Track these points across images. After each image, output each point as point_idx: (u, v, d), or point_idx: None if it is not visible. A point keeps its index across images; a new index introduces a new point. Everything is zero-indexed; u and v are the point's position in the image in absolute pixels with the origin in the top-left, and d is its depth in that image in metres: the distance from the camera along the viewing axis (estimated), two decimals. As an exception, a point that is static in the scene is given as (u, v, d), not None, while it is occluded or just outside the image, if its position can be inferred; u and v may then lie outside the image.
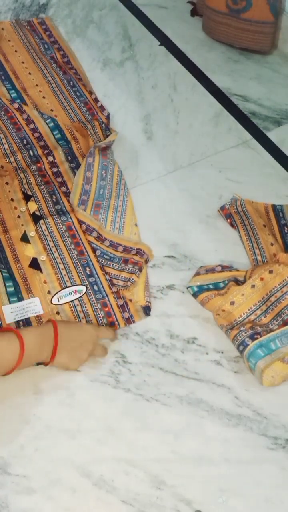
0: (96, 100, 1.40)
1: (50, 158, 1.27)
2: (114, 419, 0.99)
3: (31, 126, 1.31)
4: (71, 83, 1.43)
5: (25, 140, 1.29)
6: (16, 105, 1.34)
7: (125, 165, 1.32)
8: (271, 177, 1.32)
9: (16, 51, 1.50)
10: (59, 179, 1.25)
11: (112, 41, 1.60)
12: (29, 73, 1.45)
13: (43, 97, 1.40)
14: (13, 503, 0.91)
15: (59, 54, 1.51)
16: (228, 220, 1.23)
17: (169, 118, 1.43)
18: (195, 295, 1.10)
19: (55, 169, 1.26)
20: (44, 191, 1.22)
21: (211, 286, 1.10)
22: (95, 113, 1.37)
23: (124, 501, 0.91)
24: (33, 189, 1.22)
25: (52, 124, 1.31)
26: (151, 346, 1.07)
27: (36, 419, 0.98)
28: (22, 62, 1.47)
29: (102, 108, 1.39)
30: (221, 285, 1.10)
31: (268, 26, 1.48)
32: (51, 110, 1.37)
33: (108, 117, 1.38)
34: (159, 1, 1.71)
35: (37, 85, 1.42)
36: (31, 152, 1.28)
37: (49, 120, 1.31)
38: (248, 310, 1.07)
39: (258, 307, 1.07)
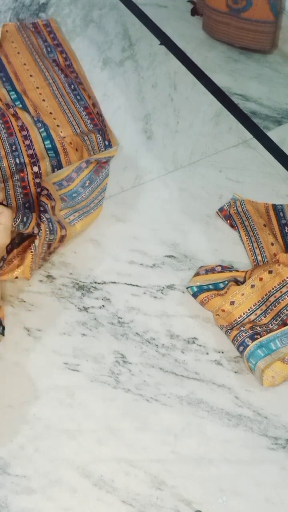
0: (94, 105, 1.39)
1: (35, 169, 1.26)
2: (114, 419, 0.99)
3: (24, 133, 1.31)
4: (72, 86, 1.43)
5: (14, 146, 1.29)
6: (12, 111, 1.33)
7: (125, 165, 1.32)
8: (271, 177, 1.31)
9: (18, 52, 1.49)
10: (39, 190, 1.23)
11: (112, 40, 1.59)
12: (30, 75, 1.44)
13: (43, 100, 1.39)
14: (13, 503, 0.91)
15: (61, 57, 1.50)
16: (228, 221, 1.23)
17: (169, 118, 1.43)
18: (194, 295, 1.10)
19: (38, 180, 1.25)
20: (19, 202, 1.22)
21: (211, 287, 1.10)
22: (94, 118, 1.37)
23: (124, 501, 0.91)
24: (10, 202, 1.22)
25: (44, 134, 1.31)
26: (151, 346, 1.07)
27: (36, 419, 0.98)
28: (24, 64, 1.47)
29: (98, 114, 1.38)
30: (221, 285, 1.10)
31: (268, 25, 1.48)
32: (50, 113, 1.37)
33: (103, 123, 1.36)
34: (159, 0, 1.71)
35: (37, 88, 1.41)
36: (17, 160, 1.27)
37: (42, 129, 1.31)
38: (248, 310, 1.07)
39: (258, 307, 1.07)
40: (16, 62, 1.47)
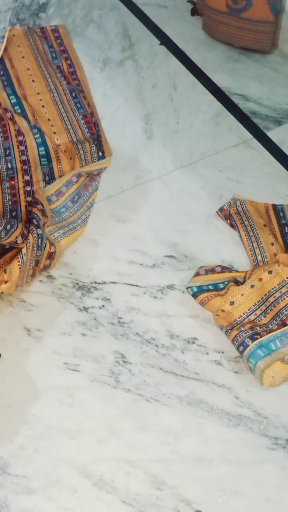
0: (92, 114, 1.39)
1: (27, 178, 1.26)
2: (114, 419, 0.99)
3: (20, 138, 1.30)
4: (73, 94, 1.42)
5: (8, 151, 1.28)
6: (9, 115, 1.33)
7: (125, 165, 1.32)
8: (271, 177, 1.31)
9: (23, 57, 1.49)
10: (29, 198, 1.23)
11: (112, 40, 1.59)
12: (33, 81, 1.44)
13: (43, 106, 1.39)
14: (13, 503, 0.91)
15: (65, 64, 1.50)
16: (228, 221, 1.23)
17: (169, 118, 1.43)
18: (194, 295, 1.10)
19: (28, 188, 1.25)
20: (6, 209, 1.21)
21: (210, 287, 1.10)
22: (92, 127, 1.37)
23: (124, 501, 0.91)
24: None
25: (39, 140, 1.30)
26: (151, 346, 1.07)
27: (36, 419, 0.98)
28: (28, 69, 1.46)
29: (95, 124, 1.37)
30: (221, 286, 1.10)
31: (268, 25, 1.48)
32: (48, 119, 1.36)
33: (99, 133, 1.35)
34: (159, 0, 1.71)
35: (38, 93, 1.41)
36: (9, 165, 1.26)
37: (37, 135, 1.31)
38: (248, 310, 1.07)
39: (257, 307, 1.07)
40: (19, 67, 1.47)
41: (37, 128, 1.32)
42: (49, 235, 1.15)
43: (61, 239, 1.16)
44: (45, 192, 1.21)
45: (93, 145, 1.31)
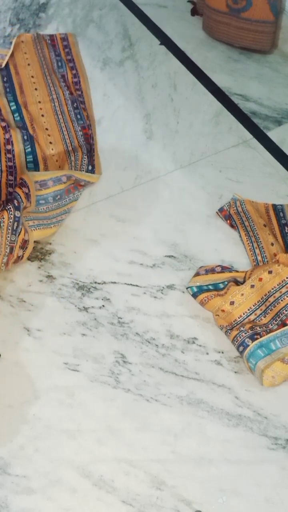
0: (89, 127, 1.39)
1: (10, 178, 1.25)
2: (114, 419, 0.99)
3: (8, 147, 1.30)
4: (75, 104, 1.42)
5: None
6: (3, 124, 1.33)
7: (125, 165, 1.32)
8: (271, 177, 1.31)
9: (29, 64, 1.49)
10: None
11: (112, 40, 1.59)
12: (36, 89, 1.43)
13: (42, 115, 1.39)
14: (13, 503, 0.91)
15: (70, 73, 1.49)
16: (228, 221, 1.23)
17: (169, 118, 1.43)
18: (194, 295, 1.10)
19: (10, 189, 1.24)
20: None
21: (210, 287, 1.10)
22: (89, 138, 1.36)
23: (124, 501, 0.91)
24: None
25: (29, 149, 1.30)
26: (151, 346, 1.07)
27: (36, 419, 0.98)
28: (32, 77, 1.46)
29: (90, 137, 1.36)
30: (221, 286, 1.10)
31: (268, 25, 1.48)
32: (46, 129, 1.36)
33: (92, 148, 1.34)
34: (159, 0, 1.71)
35: (39, 102, 1.41)
36: None
37: (28, 146, 1.30)
38: (248, 310, 1.07)
39: (257, 307, 1.07)
40: (24, 74, 1.46)
41: (29, 140, 1.32)
42: (24, 221, 1.13)
43: (33, 229, 1.15)
44: (32, 177, 1.19)
45: (85, 156, 1.30)
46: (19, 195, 1.12)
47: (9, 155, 1.29)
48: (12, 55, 1.49)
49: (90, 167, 1.30)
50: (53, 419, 0.98)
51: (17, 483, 0.92)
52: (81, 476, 0.93)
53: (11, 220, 1.08)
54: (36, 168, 1.28)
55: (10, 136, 1.31)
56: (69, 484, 0.92)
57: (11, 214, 1.08)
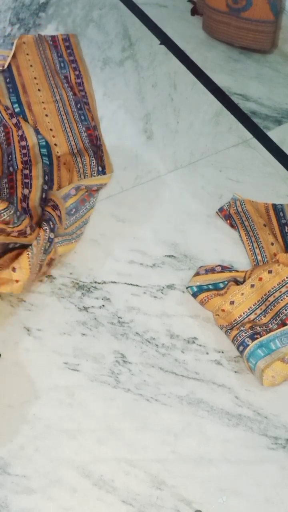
0: (95, 127, 1.39)
1: (26, 172, 1.25)
2: (114, 419, 0.99)
3: (23, 143, 1.30)
4: (78, 105, 1.41)
5: (10, 156, 1.28)
6: (14, 120, 1.33)
7: (125, 165, 1.32)
8: (271, 176, 1.31)
9: (31, 65, 1.48)
10: (25, 191, 1.21)
11: (112, 40, 1.59)
12: (39, 90, 1.43)
13: (46, 115, 1.38)
14: (13, 503, 0.91)
15: (73, 74, 1.49)
16: (228, 221, 1.23)
17: (169, 118, 1.43)
18: (194, 295, 1.10)
19: (26, 180, 1.24)
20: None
21: (210, 287, 1.10)
22: (93, 140, 1.36)
23: (124, 501, 0.91)
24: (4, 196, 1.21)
25: (43, 142, 1.30)
26: (151, 346, 1.07)
27: (36, 419, 0.98)
28: (35, 78, 1.46)
29: (97, 138, 1.36)
30: (221, 285, 1.10)
31: (268, 25, 1.48)
32: (51, 129, 1.36)
33: (100, 148, 1.34)
34: (159, 0, 1.71)
35: (43, 102, 1.40)
36: (11, 169, 1.26)
37: (42, 140, 1.30)
38: (248, 309, 1.07)
39: (257, 307, 1.07)
40: (26, 75, 1.46)
41: (42, 135, 1.32)
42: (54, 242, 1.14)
43: (59, 246, 1.16)
44: (59, 198, 1.20)
45: (93, 158, 1.30)
46: (53, 217, 1.13)
47: (23, 151, 1.29)
48: (14, 56, 1.49)
49: (100, 168, 1.30)
50: (53, 419, 0.98)
51: (17, 483, 0.92)
52: (81, 476, 0.93)
53: (45, 241, 1.09)
54: (50, 164, 1.27)
55: (23, 132, 1.31)
56: (69, 484, 0.93)
57: (46, 235, 1.09)
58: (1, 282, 1.04)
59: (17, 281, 1.04)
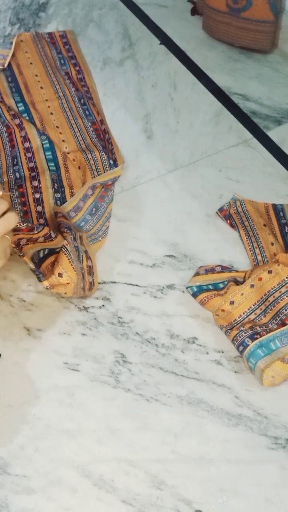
0: (102, 122, 1.38)
1: (35, 183, 1.24)
2: (114, 419, 0.99)
3: (26, 144, 1.29)
4: (82, 101, 1.41)
5: (15, 160, 1.27)
6: (17, 121, 1.32)
7: (125, 165, 1.32)
8: (271, 176, 1.31)
9: (31, 63, 1.48)
10: (39, 208, 1.20)
11: (112, 40, 1.59)
12: (41, 87, 1.43)
13: (51, 113, 1.37)
14: (13, 503, 0.91)
15: (74, 70, 1.48)
16: (228, 221, 1.23)
17: (169, 117, 1.43)
18: (194, 295, 1.10)
19: (37, 195, 1.22)
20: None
21: (210, 287, 1.10)
22: (101, 134, 1.36)
23: (124, 501, 0.91)
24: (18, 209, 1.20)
25: (47, 145, 1.29)
26: (151, 346, 1.07)
27: (36, 419, 0.98)
28: (36, 76, 1.45)
29: (104, 132, 1.36)
30: (221, 285, 1.10)
31: (268, 25, 1.48)
32: (57, 127, 1.35)
33: (109, 141, 1.34)
34: (159, 0, 1.71)
35: (46, 100, 1.40)
36: (17, 174, 1.25)
37: (45, 141, 1.30)
38: (248, 309, 1.07)
39: (257, 307, 1.07)
40: (27, 73, 1.46)
41: (45, 135, 1.31)
42: (81, 247, 1.13)
43: (91, 244, 1.16)
44: (65, 209, 1.19)
45: (103, 153, 1.30)
46: (71, 225, 1.12)
47: (28, 154, 1.28)
48: (13, 55, 1.49)
49: (111, 162, 1.30)
50: (53, 419, 0.98)
51: (17, 483, 0.93)
52: (81, 476, 0.93)
53: (72, 246, 1.08)
54: (57, 169, 1.26)
55: (26, 133, 1.30)
56: (69, 484, 0.93)
57: (71, 242, 1.08)
58: (53, 284, 1.04)
59: (68, 283, 1.04)
